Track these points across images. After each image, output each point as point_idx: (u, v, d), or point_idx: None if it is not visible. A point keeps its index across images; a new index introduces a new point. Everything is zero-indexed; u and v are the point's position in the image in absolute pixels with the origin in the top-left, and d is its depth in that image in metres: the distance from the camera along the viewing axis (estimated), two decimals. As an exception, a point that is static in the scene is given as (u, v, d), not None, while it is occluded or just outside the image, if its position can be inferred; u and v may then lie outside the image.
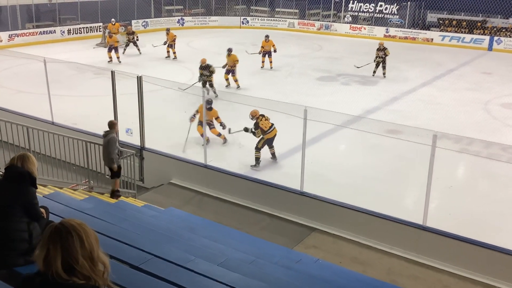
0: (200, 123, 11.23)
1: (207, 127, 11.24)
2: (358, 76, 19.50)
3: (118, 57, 20.90)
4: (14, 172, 4.03)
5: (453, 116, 14.02)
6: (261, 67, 20.41)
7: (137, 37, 23.40)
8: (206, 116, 10.87)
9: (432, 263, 7.57)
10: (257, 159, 10.46)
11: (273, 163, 10.75)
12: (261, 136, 10.42)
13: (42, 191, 7.15)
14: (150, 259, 4.46)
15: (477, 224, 8.27)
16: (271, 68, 20.37)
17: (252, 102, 10.76)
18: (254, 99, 10.52)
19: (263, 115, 10.49)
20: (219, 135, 11.64)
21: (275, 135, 10.53)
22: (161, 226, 6.21)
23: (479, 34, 27.82)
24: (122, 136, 11.01)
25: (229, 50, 17.22)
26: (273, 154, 10.74)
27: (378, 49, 19.31)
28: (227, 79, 17.25)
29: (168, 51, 22.10)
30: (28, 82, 16.26)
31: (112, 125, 9.04)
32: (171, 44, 21.97)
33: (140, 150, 10.68)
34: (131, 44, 23.00)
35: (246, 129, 10.63)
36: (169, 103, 14.06)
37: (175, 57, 22.01)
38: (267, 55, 20.34)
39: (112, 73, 10.66)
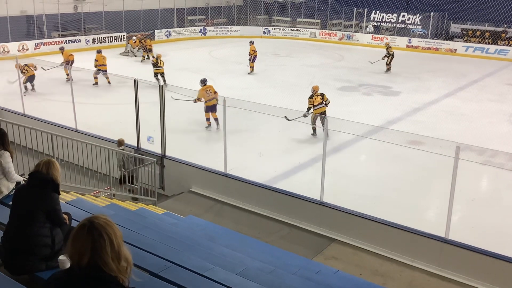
0: (207, 108, 13.15)
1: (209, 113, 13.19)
2: (380, 86, 19.39)
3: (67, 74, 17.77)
4: (38, 178, 4.09)
5: (476, 128, 13.81)
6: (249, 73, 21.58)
7: (142, 45, 24.05)
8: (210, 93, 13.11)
9: (455, 277, 7.43)
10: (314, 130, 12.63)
11: (292, 172, 10.73)
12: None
13: (64, 198, 7.24)
14: (170, 266, 4.47)
15: (501, 238, 8.09)
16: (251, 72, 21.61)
17: (272, 111, 10.77)
18: (274, 108, 10.53)
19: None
20: (216, 119, 13.14)
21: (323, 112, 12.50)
22: (180, 234, 6.23)
23: (503, 45, 27.45)
24: (144, 144, 11.13)
25: (251, 42, 21.62)
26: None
27: (387, 48, 21.81)
28: (251, 67, 21.26)
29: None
30: (53, 90, 16.56)
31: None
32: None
33: (161, 158, 10.75)
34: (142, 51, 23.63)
35: (305, 115, 12.36)
36: (190, 112, 14.14)
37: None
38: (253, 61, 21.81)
39: (135, 82, 10.80)
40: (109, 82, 18.27)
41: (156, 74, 18.43)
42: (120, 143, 10.56)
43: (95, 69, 17.84)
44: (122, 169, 10.22)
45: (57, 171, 4.19)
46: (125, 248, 2.41)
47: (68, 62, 18.71)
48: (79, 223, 2.38)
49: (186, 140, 12.56)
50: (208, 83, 13.67)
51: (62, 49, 20.02)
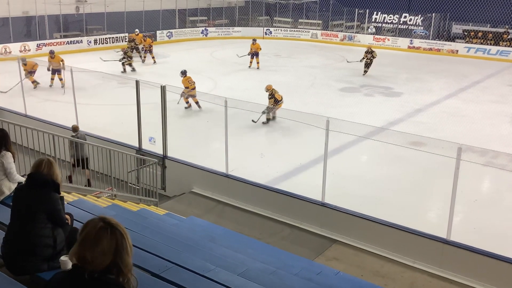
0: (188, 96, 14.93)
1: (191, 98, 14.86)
2: (381, 87, 19.38)
3: (33, 82, 17.58)
4: (38, 179, 4.07)
5: (478, 129, 13.80)
6: (249, 67, 22.72)
7: (136, 45, 23.99)
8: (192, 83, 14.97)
9: (456, 278, 7.42)
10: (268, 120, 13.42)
11: (293, 173, 10.73)
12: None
13: (66, 198, 7.24)
14: (171, 267, 4.47)
15: (503, 239, 8.08)
16: (258, 68, 22.56)
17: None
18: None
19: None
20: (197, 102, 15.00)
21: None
22: (182, 235, 6.24)
23: (505, 46, 27.41)
24: (145, 145, 11.14)
25: (254, 40, 22.69)
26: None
27: (366, 52, 21.43)
28: (251, 62, 22.58)
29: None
30: (55, 91, 16.58)
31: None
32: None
33: (163, 159, 10.77)
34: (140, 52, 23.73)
35: (263, 112, 13.03)
36: (191, 113, 14.17)
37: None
38: (254, 56, 22.79)
39: (137, 82, 10.81)
40: (199, 107, 15.58)
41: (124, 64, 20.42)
42: (75, 129, 10.88)
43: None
44: (74, 154, 10.30)
45: (54, 169, 4.16)
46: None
47: (31, 73, 17.14)
48: (93, 225, 2.36)
49: (188, 141, 12.57)
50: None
51: (24, 60, 17.06)
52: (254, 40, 22.90)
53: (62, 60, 17.58)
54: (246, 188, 9.71)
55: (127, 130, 11.70)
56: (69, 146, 9.96)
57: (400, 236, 7.96)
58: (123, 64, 20.80)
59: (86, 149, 10.31)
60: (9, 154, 5.62)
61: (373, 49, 21.77)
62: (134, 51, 23.35)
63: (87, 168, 10.18)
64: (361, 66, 21.66)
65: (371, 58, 21.33)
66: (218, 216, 9.44)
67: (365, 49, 21.95)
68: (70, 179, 10.28)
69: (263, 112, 13.04)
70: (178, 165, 10.70)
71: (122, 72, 20.62)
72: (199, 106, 15.29)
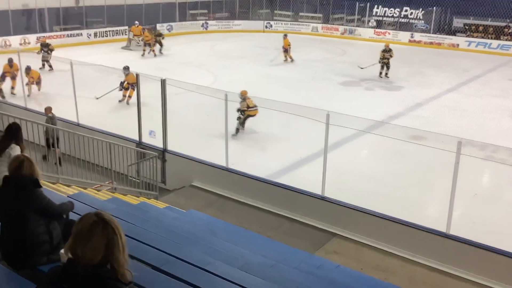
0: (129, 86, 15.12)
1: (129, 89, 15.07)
2: (382, 81, 19.34)
3: None
4: (20, 180, 3.97)
5: (478, 123, 13.79)
6: (284, 61, 22.82)
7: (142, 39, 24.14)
8: (128, 80, 15.01)
9: (456, 271, 7.44)
10: (237, 130, 12.67)
11: (294, 167, 10.74)
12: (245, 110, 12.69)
13: (66, 191, 7.27)
14: (171, 260, 4.49)
15: (502, 233, 8.09)
16: (292, 61, 22.84)
17: (274, 106, 10.75)
18: (276, 103, 10.51)
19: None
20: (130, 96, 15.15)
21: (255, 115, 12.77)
22: (182, 228, 6.25)
23: (506, 40, 27.34)
24: (145, 138, 11.14)
25: (285, 35, 22.94)
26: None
27: (383, 51, 19.65)
28: (285, 56, 22.73)
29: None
30: (55, 84, 16.54)
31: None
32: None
33: (163, 153, 10.76)
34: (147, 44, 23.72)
35: (238, 117, 12.71)
36: (191, 106, 14.14)
37: None
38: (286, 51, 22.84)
39: (137, 76, 10.79)
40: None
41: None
42: (47, 110, 11.72)
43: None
44: (48, 136, 10.57)
45: (34, 166, 4.06)
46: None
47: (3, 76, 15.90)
48: (86, 220, 2.36)
49: (188, 134, 12.56)
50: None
51: (11, 61, 15.91)
52: (285, 35, 23.32)
53: (17, 70, 15.46)
54: (246, 181, 9.72)
55: (128, 124, 11.70)
56: (43, 128, 10.39)
57: (400, 229, 7.97)
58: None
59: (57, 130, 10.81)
60: (17, 148, 5.65)
61: (391, 48, 19.63)
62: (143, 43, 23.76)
63: (58, 147, 10.39)
64: (370, 61, 20.11)
65: (389, 57, 19.47)
66: (218, 209, 9.45)
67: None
68: (44, 158, 10.77)
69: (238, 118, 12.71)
70: (178, 159, 10.70)
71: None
72: (128, 101, 15.39)
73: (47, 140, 10.56)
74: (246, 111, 12.70)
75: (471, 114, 14.74)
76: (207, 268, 4.49)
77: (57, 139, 10.43)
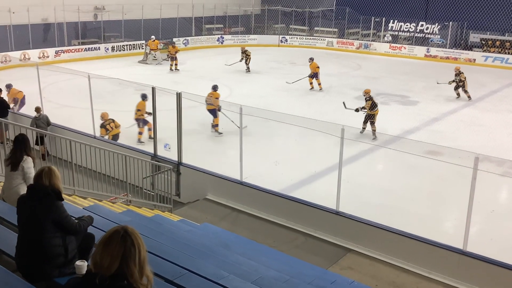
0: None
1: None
2: (397, 95, 19.27)
3: None
4: (39, 190, 4.04)
5: (495, 138, 13.63)
6: (310, 89, 20.27)
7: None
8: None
9: (473, 289, 7.31)
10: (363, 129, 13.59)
11: (308, 181, 10.69)
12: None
13: (82, 203, 7.32)
14: (185, 274, 4.47)
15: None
16: (320, 89, 20.22)
17: (288, 119, 10.77)
18: (291, 116, 10.52)
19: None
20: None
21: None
22: (196, 241, 6.24)
23: (524, 55, 27.12)
24: (160, 151, 11.20)
25: (311, 59, 20.27)
26: (374, 132, 13.55)
27: (455, 74, 19.14)
28: (311, 83, 20.13)
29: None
30: (72, 97, 16.78)
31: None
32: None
33: (177, 165, 10.80)
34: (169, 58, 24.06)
35: (357, 110, 13.80)
36: (207, 120, 14.21)
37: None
38: (314, 78, 20.24)
39: (153, 89, 10.89)
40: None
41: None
42: (37, 110, 12.45)
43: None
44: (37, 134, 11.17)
45: (57, 179, 4.15)
46: (148, 266, 2.45)
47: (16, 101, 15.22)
48: (112, 229, 2.40)
49: (202, 148, 12.61)
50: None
51: (9, 86, 15.46)
52: (311, 59, 20.33)
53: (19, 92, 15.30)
54: (260, 195, 9.69)
55: (143, 137, 11.78)
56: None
57: (416, 246, 7.86)
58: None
59: (45, 129, 11.81)
60: (30, 159, 5.73)
61: (460, 71, 19.07)
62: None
63: (42, 144, 11.13)
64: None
65: (458, 80, 18.99)
66: (232, 223, 9.43)
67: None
68: (43, 158, 11.17)
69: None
70: (192, 172, 10.72)
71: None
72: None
73: (37, 138, 11.28)
74: (369, 111, 13.69)
75: (488, 129, 14.59)
76: (221, 282, 4.47)
77: (41, 137, 11.28)
